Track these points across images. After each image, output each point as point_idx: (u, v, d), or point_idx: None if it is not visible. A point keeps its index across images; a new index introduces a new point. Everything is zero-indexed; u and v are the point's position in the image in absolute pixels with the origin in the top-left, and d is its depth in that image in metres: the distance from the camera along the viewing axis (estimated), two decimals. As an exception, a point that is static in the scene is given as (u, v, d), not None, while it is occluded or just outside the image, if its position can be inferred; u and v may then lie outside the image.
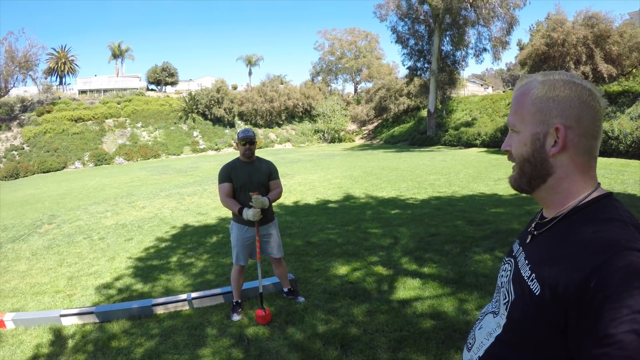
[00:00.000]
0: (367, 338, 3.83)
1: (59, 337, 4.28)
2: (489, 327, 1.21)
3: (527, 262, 1.11)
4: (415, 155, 23.91)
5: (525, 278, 1.07)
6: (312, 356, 3.60)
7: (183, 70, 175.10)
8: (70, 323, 4.53)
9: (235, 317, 4.40)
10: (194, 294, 4.81)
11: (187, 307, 4.73)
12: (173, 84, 56.79)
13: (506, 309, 1.13)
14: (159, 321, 4.46)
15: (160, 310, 4.67)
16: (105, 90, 49.21)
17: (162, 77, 55.38)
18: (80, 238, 8.55)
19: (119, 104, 42.99)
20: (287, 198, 11.71)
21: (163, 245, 7.56)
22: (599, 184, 1.09)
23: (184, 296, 4.78)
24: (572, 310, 0.90)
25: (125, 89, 48.73)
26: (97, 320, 4.55)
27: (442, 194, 10.90)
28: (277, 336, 3.99)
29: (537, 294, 0.99)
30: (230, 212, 4.58)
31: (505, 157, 1.21)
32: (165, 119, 42.98)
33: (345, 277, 5.40)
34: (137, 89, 49.95)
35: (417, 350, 3.56)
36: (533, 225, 1.19)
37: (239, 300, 4.58)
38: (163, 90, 55.27)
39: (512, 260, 1.22)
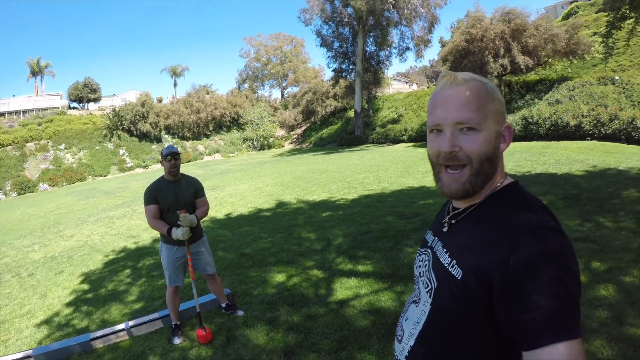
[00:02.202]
0: (309, 342, 3.91)
1: None
2: (414, 316, 1.28)
3: (445, 250, 1.19)
4: (345, 156, 24.32)
5: (446, 265, 1.15)
6: (256, 368, 3.63)
7: (106, 85, 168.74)
8: None
9: (177, 341, 4.34)
10: (131, 322, 4.70)
11: (126, 337, 4.61)
12: (96, 100, 54.88)
13: (430, 296, 1.20)
14: (99, 356, 4.31)
15: (99, 344, 4.53)
16: (24, 112, 47.01)
17: (84, 94, 53.44)
18: (8, 277, 8.13)
19: (39, 125, 40.78)
20: (219, 211, 11.64)
21: (96, 274, 7.31)
22: (506, 173, 1.21)
23: (121, 326, 4.66)
24: (495, 287, 0.98)
25: (45, 109, 46.64)
26: None
27: (372, 192, 11.18)
28: (221, 354, 3.98)
29: (459, 278, 1.07)
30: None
31: None
32: (89, 138, 41.22)
33: (282, 284, 5.46)
34: (59, 107, 48.01)
35: (359, 347, 3.68)
36: (448, 216, 1.27)
37: (178, 323, 4.51)
38: (86, 107, 53.37)
39: (429, 250, 1.30)
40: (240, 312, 4.75)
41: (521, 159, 13.49)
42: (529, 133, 19.66)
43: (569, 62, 23.69)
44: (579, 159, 12.04)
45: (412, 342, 1.24)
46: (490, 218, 1.10)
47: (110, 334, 4.59)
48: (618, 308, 3.78)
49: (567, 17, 33.46)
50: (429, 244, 1.32)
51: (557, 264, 0.93)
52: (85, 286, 6.79)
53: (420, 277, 1.30)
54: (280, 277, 5.73)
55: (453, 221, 1.23)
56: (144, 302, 5.66)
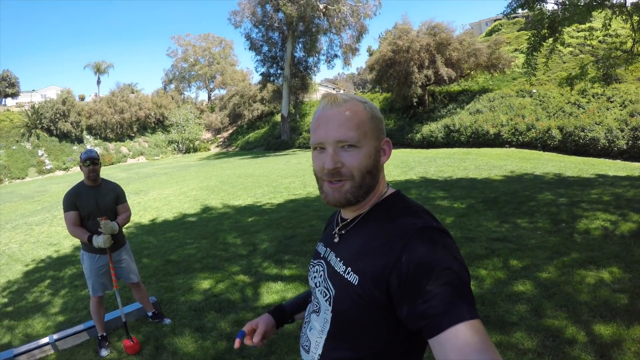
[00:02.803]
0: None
1: None
2: (317, 325, 1.32)
3: (339, 259, 1.25)
4: (271, 160, 24.44)
5: (342, 273, 1.20)
6: (186, 377, 3.67)
7: (25, 79, 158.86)
8: None
9: (104, 353, 4.26)
10: (56, 336, 4.54)
11: (52, 351, 4.47)
12: (14, 95, 51.80)
13: (329, 304, 1.24)
14: (23, 372, 4.20)
15: (24, 360, 4.43)
16: (-64, 105, 43.54)
17: (2, 88, 50.39)
18: None
19: (-48, 121, 37.95)
20: (143, 216, 11.43)
21: (16, 286, 6.98)
22: (387, 183, 1.32)
23: (46, 339, 4.50)
24: (392, 286, 1.05)
25: (-44, 102, 43.52)
26: None
27: (298, 196, 11.38)
28: (149, 364, 3.98)
29: (356, 283, 1.13)
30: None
31: None
32: (5, 137, 38.61)
33: (209, 291, 5.50)
34: (-28, 102, 44.87)
35: (288, 350, 3.81)
36: (337, 227, 1.35)
37: (105, 334, 4.42)
38: (3, 103, 50.16)
39: (322, 261, 1.35)
40: (167, 321, 4.75)
41: (443, 164, 14.13)
42: (450, 140, 20.75)
43: (490, 75, 25.04)
44: (498, 165, 12.81)
45: (320, 351, 1.29)
46: (378, 225, 1.20)
47: (34, 348, 4.43)
48: (536, 302, 4.12)
49: (490, 33, 35.20)
50: (321, 255, 1.39)
51: (445, 256, 1.02)
52: (5, 299, 6.48)
53: (317, 287, 1.35)
54: (206, 284, 5.76)
55: (343, 231, 1.31)
56: (68, 314, 5.50)
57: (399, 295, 1.04)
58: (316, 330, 1.33)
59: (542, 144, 17.73)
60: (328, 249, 1.36)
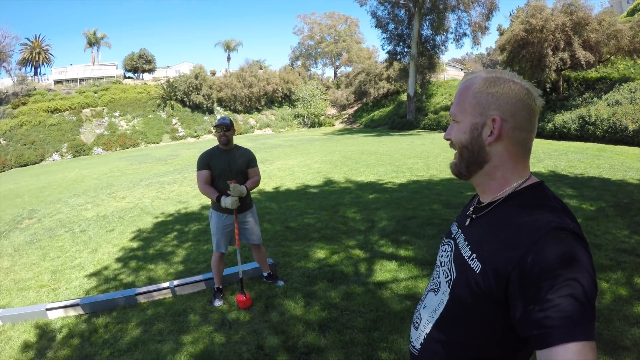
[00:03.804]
0: (344, 319, 3.97)
1: (46, 331, 4.31)
2: (432, 304, 1.31)
3: (466, 242, 1.23)
4: (395, 140, 24.06)
5: (466, 257, 1.18)
6: (292, 337, 3.73)
7: (160, 57, 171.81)
8: (57, 316, 4.56)
9: (217, 303, 4.50)
10: (176, 282, 4.89)
11: (170, 295, 4.81)
12: (150, 71, 55.95)
13: (449, 286, 1.23)
14: (142, 310, 4.52)
15: (143, 300, 4.74)
16: (81, 80, 48.08)
17: (139, 65, 54.51)
18: (61, 231, 8.54)
19: (95, 93, 42.01)
20: (267, 184, 11.80)
21: (145, 235, 7.59)
22: (531, 173, 1.21)
23: (166, 284, 4.86)
24: (512, 284, 1.01)
25: (101, 78, 47.71)
26: (83, 312, 4.59)
27: (420, 178, 11.09)
28: (258, 320, 4.11)
29: (477, 271, 1.11)
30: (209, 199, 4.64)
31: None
32: (143, 107, 42.23)
33: (323, 260, 5.54)
34: (114, 77, 48.99)
35: (392, 329, 3.71)
36: (471, 209, 1.31)
37: (220, 286, 4.66)
38: (140, 77, 54.41)
39: (452, 241, 1.33)
40: (280, 283, 4.87)
41: (575, 159, 13.02)
42: (585, 133, 18.91)
43: (633, 62, 22.40)
44: (635, 167, 11.49)
45: (428, 330, 1.28)
46: (511, 215, 1.13)
47: (155, 290, 4.80)
48: None
49: (632, 12, 31.62)
50: (452, 235, 1.37)
51: (574, 264, 0.95)
52: (134, 245, 7.07)
53: (442, 266, 1.33)
54: (322, 253, 5.81)
55: (475, 215, 1.27)
56: (189, 264, 5.87)
57: (517, 295, 1.00)
58: (430, 309, 1.32)
59: None
60: (459, 230, 1.34)
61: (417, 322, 1.37)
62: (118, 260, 6.38)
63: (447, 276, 1.26)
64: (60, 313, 4.60)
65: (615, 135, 17.58)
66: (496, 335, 1.11)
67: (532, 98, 1.14)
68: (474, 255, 1.15)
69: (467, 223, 1.29)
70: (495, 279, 1.05)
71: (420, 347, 1.31)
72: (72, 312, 4.60)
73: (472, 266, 1.14)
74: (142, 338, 3.94)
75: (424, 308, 1.36)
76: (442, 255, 1.37)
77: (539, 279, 0.95)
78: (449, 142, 1.26)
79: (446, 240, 1.40)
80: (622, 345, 3.37)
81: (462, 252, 1.22)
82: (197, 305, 4.53)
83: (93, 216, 9.69)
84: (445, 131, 1.27)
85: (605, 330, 3.60)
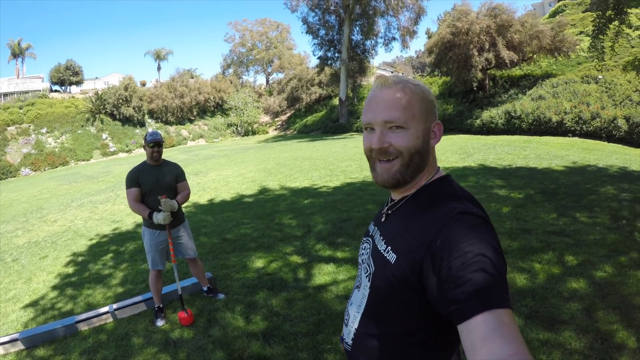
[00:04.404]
0: (288, 325, 4.07)
1: None
2: (356, 300, 1.38)
3: (382, 237, 1.30)
4: (328, 144, 24.39)
5: (382, 251, 1.24)
6: (237, 349, 3.78)
7: (88, 68, 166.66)
8: None
9: (159, 323, 4.47)
10: (115, 305, 4.80)
11: (110, 320, 4.72)
12: (78, 83, 53.74)
13: (369, 280, 1.30)
14: (84, 338, 4.42)
15: (84, 327, 4.63)
16: (5, 94, 45.43)
17: (67, 77, 52.29)
18: (-8, 262, 8.19)
19: (20, 108, 39.59)
20: (202, 196, 11.74)
21: (80, 259, 7.37)
22: (438, 167, 1.33)
23: (106, 309, 4.76)
24: (425, 268, 1.06)
25: (27, 92, 45.15)
26: (24, 347, 4.43)
27: (354, 180, 11.35)
28: (202, 335, 4.12)
29: (392, 262, 1.17)
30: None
31: None
32: (71, 122, 40.31)
33: (262, 269, 5.61)
34: (40, 90, 46.42)
35: (335, 330, 3.84)
36: (386, 207, 1.39)
37: (161, 305, 4.62)
38: (68, 90, 52.09)
39: (370, 239, 1.39)
40: (221, 296, 4.89)
41: (503, 152, 13.71)
42: (511, 127, 20.04)
43: (554, 59, 23.81)
44: (560, 155, 12.28)
45: (356, 325, 1.35)
46: (421, 207, 1.22)
47: (94, 316, 4.69)
48: (588, 301, 3.91)
49: (554, 14, 33.56)
50: (370, 233, 1.44)
51: (480, 242, 1.01)
52: (70, 270, 6.86)
53: (362, 263, 1.40)
54: (260, 262, 5.88)
55: (389, 212, 1.35)
56: (128, 286, 5.77)
57: (431, 278, 1.05)
58: (355, 305, 1.38)
59: (607, 134, 16.69)
60: (376, 227, 1.40)
61: (346, 319, 1.44)
62: (54, 287, 6.16)
63: (367, 271, 1.32)
64: (0, 350, 4.44)
65: (540, 127, 18.77)
66: (417, 321, 1.17)
67: None
68: (389, 247, 1.22)
69: (382, 220, 1.37)
70: (409, 266, 1.11)
71: (351, 342, 1.36)
72: (12, 348, 4.44)
73: (387, 258, 1.20)
74: (86, 367, 3.85)
75: (350, 305, 1.43)
76: (362, 254, 1.43)
77: (450, 259, 1.00)
78: (379, 150, 1.24)
79: (365, 239, 1.46)
80: (560, 320, 3.65)
81: (378, 246, 1.29)
82: (140, 327, 4.48)
83: (24, 243, 9.28)
84: (374, 139, 1.24)
85: (542, 307, 3.87)
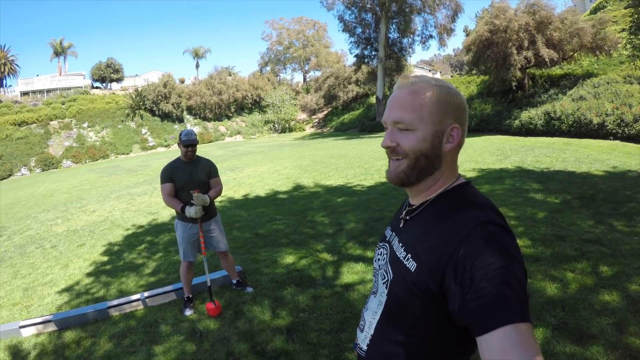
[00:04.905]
0: (312, 322, 4.10)
1: (19, 350, 4.32)
2: (373, 306, 1.36)
3: (401, 244, 1.27)
4: (364, 142, 24.31)
5: (402, 258, 1.22)
6: (260, 342, 3.85)
7: (128, 65, 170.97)
8: (30, 334, 4.58)
9: (188, 312, 4.60)
10: (146, 293, 4.95)
11: (141, 307, 4.87)
12: (118, 80, 55.20)
13: (386, 287, 1.27)
14: (115, 323, 4.58)
15: (115, 312, 4.80)
16: (48, 91, 46.83)
17: (107, 74, 53.79)
18: (32, 248, 8.46)
19: (63, 104, 41.00)
20: (237, 191, 11.89)
21: (115, 248, 7.60)
22: (459, 174, 1.29)
23: (137, 296, 4.91)
24: (447, 278, 1.04)
25: (69, 88, 46.52)
26: (56, 328, 4.61)
27: (388, 179, 11.24)
28: (227, 327, 4.21)
29: (413, 270, 1.15)
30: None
31: None
32: (112, 117, 41.45)
33: (291, 265, 5.66)
34: (82, 87, 47.79)
35: (359, 329, 3.85)
36: (404, 212, 1.34)
37: (190, 296, 4.74)
38: (108, 87, 53.56)
39: (387, 245, 1.37)
40: (249, 289, 4.98)
41: (541, 154, 13.37)
42: (550, 128, 19.47)
43: (595, 58, 23.03)
44: (600, 159, 11.88)
45: (372, 331, 1.34)
46: (441, 214, 1.19)
47: (125, 303, 4.85)
48: (620, 315, 3.74)
49: (595, 11, 32.41)
50: (387, 239, 1.41)
51: (503, 254, 1.00)
52: (105, 258, 7.08)
53: (379, 269, 1.38)
54: (290, 258, 5.93)
55: (408, 217, 1.32)
56: (160, 275, 5.93)
57: (452, 288, 1.04)
58: (371, 311, 1.37)
59: None
60: (393, 233, 1.38)
61: (362, 325, 1.42)
62: (89, 274, 6.38)
63: (384, 278, 1.30)
64: (33, 330, 4.61)
65: (580, 129, 18.12)
66: (436, 331, 1.15)
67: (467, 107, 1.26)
68: (409, 255, 1.19)
69: (400, 225, 1.34)
70: (430, 275, 1.09)
71: (366, 348, 1.35)
72: (45, 329, 4.62)
73: (407, 266, 1.18)
74: (115, 351, 3.99)
75: (366, 310, 1.41)
76: (378, 259, 1.41)
77: (472, 270, 0.99)
78: (388, 149, 1.25)
79: (381, 245, 1.44)
80: (589, 334, 3.50)
81: (397, 253, 1.26)
82: (168, 316, 4.61)
83: (63, 231, 9.61)
84: (385, 138, 1.26)
85: (572, 319, 3.74)
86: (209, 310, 4.48)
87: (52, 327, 4.64)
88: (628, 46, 12.52)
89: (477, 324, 0.96)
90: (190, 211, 4.34)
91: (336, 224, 7.42)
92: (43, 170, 33.63)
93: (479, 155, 14.20)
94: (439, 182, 1.25)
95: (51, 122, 38.64)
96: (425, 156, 1.20)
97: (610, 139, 16.79)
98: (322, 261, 5.71)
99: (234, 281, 5.07)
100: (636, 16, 11.45)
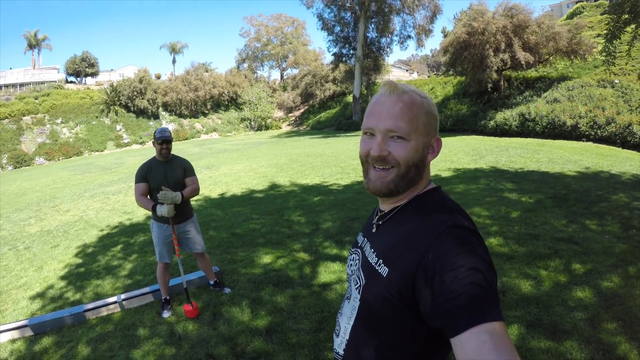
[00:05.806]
0: (291, 322, 4.12)
1: None
2: (347, 312, 1.38)
3: (372, 250, 1.28)
4: (341, 141, 24.38)
5: (373, 264, 1.23)
6: (240, 344, 3.85)
7: (104, 59, 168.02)
8: (6, 339, 4.47)
9: (166, 314, 4.55)
10: (123, 296, 4.89)
11: (118, 310, 4.81)
12: (93, 74, 54.46)
13: (359, 293, 1.29)
14: (92, 327, 4.51)
15: (92, 316, 4.72)
16: (21, 85, 46.14)
17: (82, 68, 53.05)
18: (5, 250, 8.25)
19: (36, 99, 40.10)
20: (213, 190, 11.83)
21: (90, 249, 7.48)
22: (430, 180, 1.32)
23: (114, 299, 4.85)
24: (418, 282, 1.06)
25: (42, 82, 45.82)
26: (32, 333, 4.52)
27: (365, 178, 11.29)
28: (206, 328, 4.19)
29: (385, 275, 1.16)
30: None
31: None
32: (86, 113, 40.67)
33: (269, 265, 5.67)
34: (56, 81, 47.02)
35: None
36: (375, 218, 1.37)
37: (168, 297, 4.70)
38: (83, 82, 52.81)
39: (359, 250, 1.39)
40: (227, 290, 4.96)
41: (515, 154, 13.60)
42: (525, 129, 19.88)
43: (570, 62, 23.53)
44: (573, 160, 12.15)
45: (347, 337, 1.35)
46: (411, 219, 1.21)
47: (102, 306, 4.78)
48: (593, 311, 3.87)
49: (571, 16, 33.18)
50: (359, 245, 1.42)
51: (472, 256, 1.01)
52: (80, 260, 6.96)
53: (352, 275, 1.39)
54: (267, 258, 5.93)
55: (380, 222, 1.33)
56: (136, 277, 5.85)
57: (423, 292, 1.05)
58: (345, 316, 1.38)
59: (621, 140, 16.33)
60: (365, 238, 1.39)
61: (337, 330, 1.43)
62: (64, 277, 6.26)
63: (357, 283, 1.31)
64: (9, 336, 4.50)
65: (554, 131, 18.57)
66: (410, 333, 1.16)
67: None
68: (380, 260, 1.20)
69: (372, 231, 1.35)
70: (402, 280, 1.10)
71: (343, 353, 1.36)
72: (21, 334, 4.52)
73: (379, 271, 1.19)
74: (92, 356, 3.93)
75: (340, 316, 1.43)
76: (350, 265, 1.42)
77: (442, 272, 1.00)
78: (377, 157, 1.22)
79: (353, 250, 1.44)
80: (563, 329, 3.62)
81: (369, 259, 1.27)
82: (146, 318, 4.56)
83: (37, 232, 9.42)
84: (374, 146, 1.23)
85: (546, 315, 3.86)
86: (186, 313, 4.44)
87: (28, 332, 4.54)
88: (604, 53, 12.84)
89: (450, 326, 0.96)
90: (162, 210, 4.24)
91: (313, 223, 7.43)
92: (15, 168, 32.89)
93: (454, 155, 14.37)
94: (416, 189, 1.28)
95: (24, 118, 37.77)
96: (415, 166, 1.22)
97: (583, 141, 17.25)
98: (299, 261, 5.73)
99: (212, 282, 5.04)
100: (612, 24, 11.73)
